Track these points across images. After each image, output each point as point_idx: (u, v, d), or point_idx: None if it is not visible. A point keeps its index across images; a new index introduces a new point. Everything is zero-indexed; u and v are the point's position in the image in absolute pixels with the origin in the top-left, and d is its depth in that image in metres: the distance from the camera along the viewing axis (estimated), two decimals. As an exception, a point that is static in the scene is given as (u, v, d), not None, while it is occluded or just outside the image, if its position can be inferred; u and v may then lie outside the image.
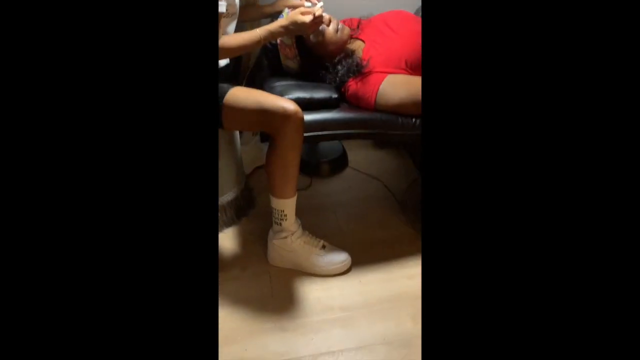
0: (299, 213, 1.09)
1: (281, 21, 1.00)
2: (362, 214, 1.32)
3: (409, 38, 1.09)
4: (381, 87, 1.03)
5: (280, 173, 0.99)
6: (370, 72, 1.05)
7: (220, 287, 1.09)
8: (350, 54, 1.14)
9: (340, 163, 1.50)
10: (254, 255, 1.17)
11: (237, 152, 1.26)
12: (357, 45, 1.17)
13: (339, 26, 1.09)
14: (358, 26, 1.20)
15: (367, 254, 1.15)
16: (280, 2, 1.14)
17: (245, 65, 1.31)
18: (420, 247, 1.10)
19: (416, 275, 1.09)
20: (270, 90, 1.05)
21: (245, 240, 1.25)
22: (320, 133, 1.01)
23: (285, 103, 0.91)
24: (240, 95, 0.95)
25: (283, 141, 0.92)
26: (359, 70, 1.05)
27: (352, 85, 1.07)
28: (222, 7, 0.91)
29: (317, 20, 0.99)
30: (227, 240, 1.25)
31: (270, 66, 1.18)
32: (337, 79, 1.08)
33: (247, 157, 1.41)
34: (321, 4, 1.07)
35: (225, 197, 1.25)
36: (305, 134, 0.97)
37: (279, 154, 0.95)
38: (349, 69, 1.07)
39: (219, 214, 1.26)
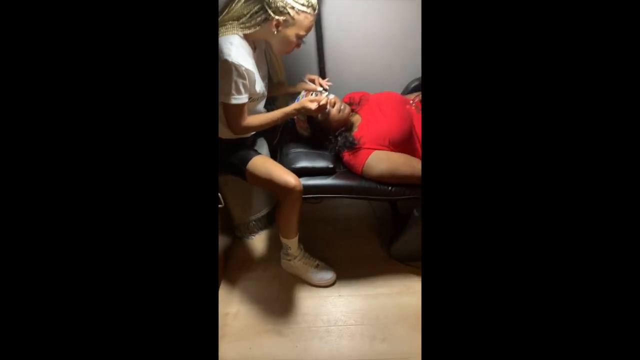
0: (309, 221, 1.48)
1: (295, 105, 1.33)
2: (349, 229, 1.74)
3: (393, 120, 1.37)
4: (367, 160, 1.33)
5: (284, 223, 1.34)
6: (360, 148, 1.35)
7: (246, 284, 1.54)
8: (350, 127, 1.44)
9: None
10: (274, 260, 1.60)
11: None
12: (356, 119, 1.47)
13: (342, 107, 1.39)
14: (359, 102, 1.50)
15: (349, 269, 1.54)
16: (300, 85, 1.46)
17: (278, 126, 1.68)
18: (389, 266, 1.54)
19: (381, 295, 1.44)
20: (285, 156, 1.39)
21: (273, 243, 1.71)
22: (316, 196, 1.33)
23: (289, 178, 1.24)
24: (258, 164, 1.29)
25: (286, 205, 1.26)
26: (352, 146, 1.35)
27: (346, 156, 1.38)
28: (244, 99, 1.19)
29: (322, 107, 1.30)
30: (260, 242, 1.73)
31: (290, 132, 1.51)
32: (337, 148, 1.40)
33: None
34: (327, 94, 1.38)
35: (259, 214, 1.71)
36: (305, 196, 1.30)
37: (283, 212, 1.30)
38: (345, 143, 1.37)
39: (255, 224, 1.73)
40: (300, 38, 1.18)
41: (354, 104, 1.52)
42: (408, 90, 1.70)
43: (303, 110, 1.31)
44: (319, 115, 1.40)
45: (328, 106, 1.36)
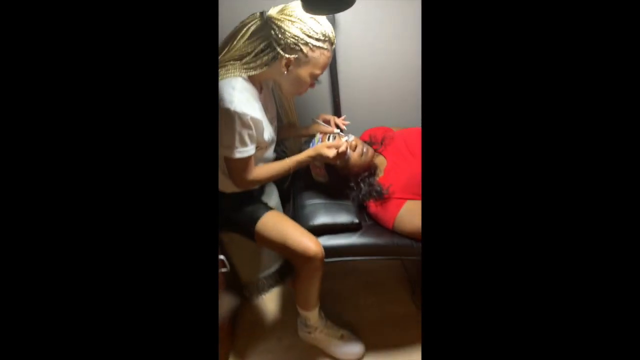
0: (326, 274, 1.20)
1: (309, 151, 1.13)
2: (375, 282, 1.50)
3: None
4: (399, 213, 1.12)
5: (302, 294, 1.12)
6: (390, 198, 1.14)
7: (258, 358, 1.29)
8: (373, 171, 1.24)
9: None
10: (290, 326, 1.35)
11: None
12: (380, 162, 1.27)
13: (364, 149, 1.19)
14: (382, 141, 1.30)
15: (377, 333, 1.31)
16: (314, 126, 1.26)
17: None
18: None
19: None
20: (300, 210, 1.19)
21: (286, 301, 1.47)
22: (340, 259, 1.12)
23: (308, 244, 1.03)
24: (269, 224, 1.08)
25: (305, 275, 1.05)
26: (380, 196, 1.14)
27: (373, 207, 1.17)
28: (250, 151, 1.00)
29: (341, 154, 1.10)
30: (271, 302, 1.48)
31: (303, 176, 1.31)
32: (360, 197, 1.19)
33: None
34: (346, 137, 1.18)
35: (269, 270, 1.48)
36: (327, 260, 1.08)
37: (301, 282, 1.08)
38: (370, 191, 1.17)
39: (265, 282, 1.49)
40: (315, 77, 0.99)
41: (376, 143, 1.32)
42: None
43: (319, 158, 1.11)
44: (338, 162, 1.20)
45: (348, 150, 1.17)
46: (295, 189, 1.30)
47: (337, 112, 1.54)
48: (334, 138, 1.18)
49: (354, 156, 1.18)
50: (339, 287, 1.48)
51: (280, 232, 1.06)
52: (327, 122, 1.24)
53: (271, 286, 1.53)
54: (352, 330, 1.30)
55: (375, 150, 1.31)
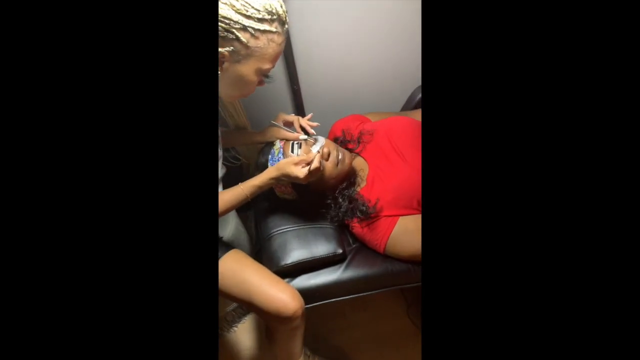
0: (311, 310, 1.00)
1: (271, 171, 0.85)
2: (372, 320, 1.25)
3: (417, 164, 0.93)
4: (392, 235, 0.89)
5: (282, 353, 0.88)
6: (378, 217, 0.91)
7: None
8: (353, 180, 0.99)
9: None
10: (269, 355, 1.14)
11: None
12: (360, 165, 1.01)
13: (339, 156, 0.93)
14: (359, 140, 1.04)
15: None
16: (271, 130, 0.97)
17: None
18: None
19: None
20: (267, 244, 0.92)
21: (261, 329, 1.24)
22: (323, 302, 0.89)
23: (282, 300, 0.78)
24: (228, 274, 0.82)
25: (282, 337, 0.81)
26: (365, 216, 0.91)
27: (358, 228, 0.93)
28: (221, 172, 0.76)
29: (314, 173, 0.84)
30: (245, 334, 1.24)
31: (267, 194, 1.04)
32: (340, 215, 0.94)
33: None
34: (316, 145, 0.91)
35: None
36: (307, 306, 0.85)
37: (278, 344, 0.84)
38: (352, 209, 0.92)
39: (234, 315, 1.26)
40: (263, 74, 0.70)
41: (351, 141, 1.06)
42: (412, 105, 1.26)
43: (284, 179, 0.85)
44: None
45: (321, 162, 0.91)
46: (257, 212, 1.03)
47: (299, 110, 1.25)
48: (300, 147, 0.91)
49: (328, 167, 0.92)
50: (330, 326, 1.24)
51: (243, 286, 0.80)
52: (289, 125, 0.96)
53: (242, 316, 1.30)
54: (344, 355, 1.10)
55: (352, 151, 1.05)
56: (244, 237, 1.15)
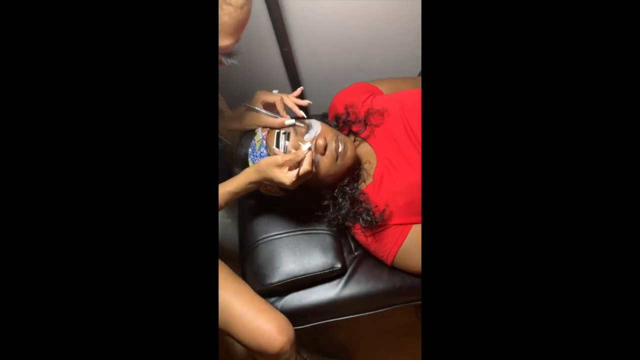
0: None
1: (249, 173, 0.68)
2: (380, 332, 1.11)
3: None
4: (402, 247, 0.72)
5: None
6: (386, 226, 0.73)
7: None
8: (356, 175, 0.80)
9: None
10: None
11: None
12: (365, 154, 0.81)
13: (339, 147, 0.74)
14: (365, 121, 0.83)
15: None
16: (249, 115, 0.77)
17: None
18: None
19: None
20: (251, 255, 0.77)
21: None
22: (317, 323, 0.75)
23: (268, 334, 0.64)
24: None
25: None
26: (371, 225, 0.73)
27: (361, 236, 0.76)
28: None
29: (305, 176, 0.65)
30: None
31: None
32: (340, 218, 0.77)
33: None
34: (309, 134, 0.71)
35: None
36: (297, 328, 0.72)
37: None
38: (354, 214, 0.75)
39: None
40: (224, 52, 0.50)
41: (356, 122, 0.85)
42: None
43: (267, 183, 0.67)
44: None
45: (316, 157, 0.71)
46: (242, 210, 0.87)
47: (293, 79, 1.02)
48: (288, 137, 0.71)
49: (324, 163, 0.73)
50: (335, 335, 1.10)
51: (221, 314, 0.66)
52: (271, 109, 0.76)
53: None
54: (344, 350, 1.00)
55: (357, 135, 0.85)
56: (230, 231, 1.01)
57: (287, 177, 0.64)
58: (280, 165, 0.65)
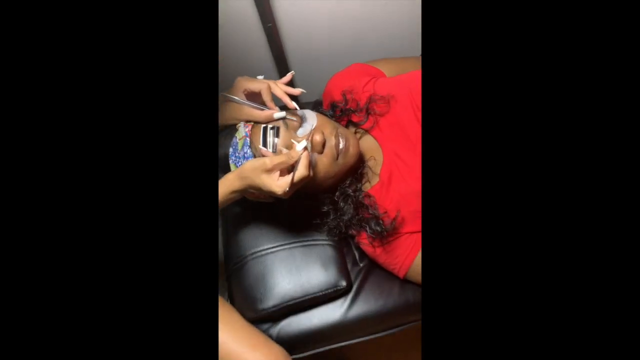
0: None
1: (231, 180, 0.55)
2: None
3: None
4: (417, 257, 0.62)
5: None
6: (398, 235, 0.62)
7: None
8: (359, 175, 0.68)
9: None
10: None
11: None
12: (369, 149, 0.69)
13: (341, 145, 0.61)
14: (368, 110, 0.70)
15: None
16: (229, 107, 0.63)
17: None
18: None
19: None
20: (239, 272, 0.65)
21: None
22: (321, 350, 0.64)
23: None
24: None
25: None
26: (380, 235, 0.62)
27: (368, 247, 0.65)
28: None
29: (300, 182, 0.53)
30: None
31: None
32: (342, 225, 0.66)
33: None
34: (304, 127, 0.58)
35: None
36: (296, 356, 0.61)
37: None
38: (359, 221, 0.63)
39: None
40: None
41: (357, 110, 0.72)
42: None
43: (253, 191, 0.56)
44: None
45: (312, 157, 0.59)
46: (226, 220, 0.74)
47: (280, 62, 0.88)
48: (277, 133, 0.59)
49: (323, 163, 0.60)
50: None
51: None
52: (255, 99, 0.62)
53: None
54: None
55: (358, 126, 0.72)
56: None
57: (278, 184, 0.52)
58: (269, 170, 0.52)
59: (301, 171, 0.52)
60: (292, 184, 0.52)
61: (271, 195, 0.54)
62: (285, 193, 0.53)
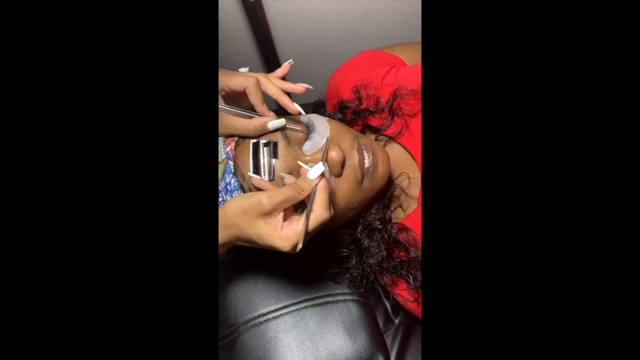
0: None
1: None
2: None
3: None
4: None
5: None
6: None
7: None
8: (387, 201, 0.49)
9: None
10: None
11: None
12: (399, 162, 0.51)
13: (367, 162, 0.42)
14: (391, 107, 0.52)
15: None
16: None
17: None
18: None
19: None
20: (234, 344, 0.46)
21: None
22: None
23: None
24: None
25: None
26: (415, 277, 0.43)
27: (408, 304, 0.47)
28: None
29: (315, 230, 0.34)
30: None
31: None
32: (368, 271, 0.47)
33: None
34: (320, 135, 0.40)
35: None
36: None
37: None
38: (396, 267, 0.45)
39: None
40: None
41: (377, 112, 0.54)
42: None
43: (248, 244, 0.37)
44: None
45: (329, 182, 0.40)
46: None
47: (267, 48, 0.69)
48: (274, 152, 0.39)
49: (342, 189, 0.41)
50: None
51: None
52: (239, 102, 0.43)
53: None
54: None
55: (379, 133, 0.54)
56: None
57: (282, 235, 0.34)
58: (268, 213, 0.34)
59: (319, 213, 0.33)
60: (306, 234, 0.33)
61: (273, 250, 0.35)
62: (294, 248, 0.34)
